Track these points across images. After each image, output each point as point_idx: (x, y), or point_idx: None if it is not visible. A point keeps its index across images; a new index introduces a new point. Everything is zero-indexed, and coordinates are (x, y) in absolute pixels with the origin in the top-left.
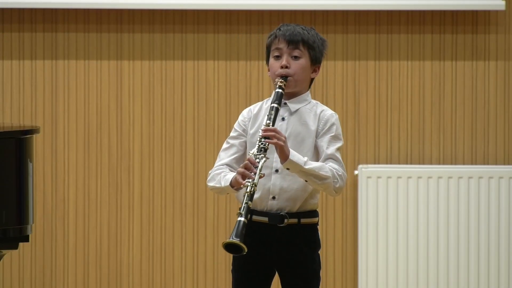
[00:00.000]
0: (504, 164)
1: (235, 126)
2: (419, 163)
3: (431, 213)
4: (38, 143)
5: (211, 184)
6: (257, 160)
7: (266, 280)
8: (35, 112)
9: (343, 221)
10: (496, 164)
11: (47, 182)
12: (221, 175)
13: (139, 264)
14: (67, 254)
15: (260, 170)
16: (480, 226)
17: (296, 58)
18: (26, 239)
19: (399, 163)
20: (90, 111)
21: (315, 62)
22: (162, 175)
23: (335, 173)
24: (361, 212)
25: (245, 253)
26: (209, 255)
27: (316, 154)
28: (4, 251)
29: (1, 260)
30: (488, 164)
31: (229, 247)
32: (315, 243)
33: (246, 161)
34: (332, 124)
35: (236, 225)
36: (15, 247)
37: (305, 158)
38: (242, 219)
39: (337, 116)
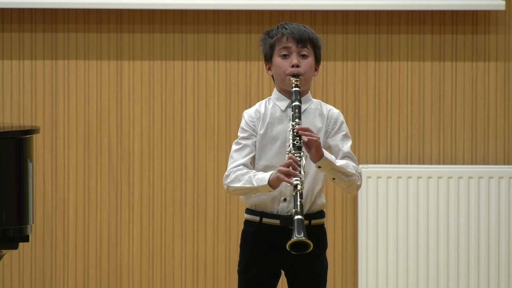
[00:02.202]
0: (504, 164)
1: (244, 126)
2: (419, 163)
3: (431, 213)
4: (38, 143)
5: (237, 185)
6: (298, 158)
7: (273, 282)
8: (35, 112)
9: (343, 221)
10: (496, 164)
11: (47, 182)
12: (250, 175)
13: (139, 264)
14: (67, 254)
15: (304, 168)
16: (480, 226)
17: (304, 56)
18: (26, 239)
19: (399, 163)
20: (90, 111)
21: (318, 61)
22: (162, 175)
23: (356, 171)
24: (361, 212)
25: (311, 249)
26: (209, 255)
27: None
28: (4, 251)
29: (1, 260)
30: (488, 164)
31: (294, 246)
32: (324, 244)
33: (289, 160)
34: (342, 123)
35: (296, 224)
36: (15, 247)
37: (333, 156)
38: (300, 216)
39: (342, 115)
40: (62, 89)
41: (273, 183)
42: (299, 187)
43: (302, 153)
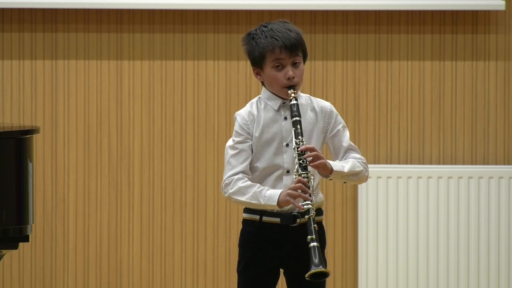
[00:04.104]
0: (504, 164)
1: (238, 130)
2: (419, 163)
3: (431, 213)
4: (38, 143)
5: (241, 198)
6: (306, 179)
7: (273, 281)
8: (35, 112)
9: (343, 221)
10: (496, 164)
11: (47, 182)
12: (255, 190)
13: (139, 264)
14: (67, 254)
15: (313, 189)
16: (480, 226)
17: (296, 64)
18: (26, 239)
19: (399, 163)
20: (90, 111)
21: (305, 61)
22: (162, 175)
23: (362, 163)
24: (361, 212)
25: (328, 276)
26: (209, 255)
27: (322, 149)
28: (4, 251)
29: (1, 260)
30: (488, 164)
31: (313, 275)
32: (323, 241)
33: (299, 184)
34: (336, 115)
35: (313, 252)
36: (15, 247)
37: (338, 162)
38: (316, 244)
39: (332, 105)
40: (62, 89)
41: (283, 204)
42: (311, 212)
43: (309, 173)
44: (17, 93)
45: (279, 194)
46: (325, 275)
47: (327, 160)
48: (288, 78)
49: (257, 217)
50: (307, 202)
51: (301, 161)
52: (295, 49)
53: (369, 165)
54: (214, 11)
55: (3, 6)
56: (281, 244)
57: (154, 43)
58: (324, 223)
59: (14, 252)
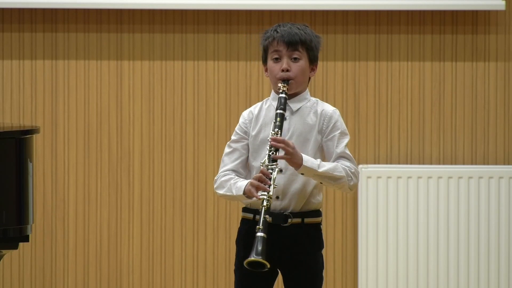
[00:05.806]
0: (504, 164)
1: (237, 129)
2: (419, 163)
3: (431, 213)
4: (38, 143)
5: (220, 191)
6: (270, 171)
7: (269, 280)
8: (35, 112)
9: (343, 221)
10: (496, 164)
11: (47, 182)
12: (231, 182)
13: (139, 264)
14: (67, 254)
15: (274, 181)
16: (480, 226)
17: (295, 59)
18: (26, 239)
19: (399, 163)
20: (90, 111)
21: (313, 61)
22: (162, 175)
23: (348, 171)
24: (361, 212)
25: (267, 268)
26: (209, 255)
27: (320, 152)
28: (4, 251)
29: (1, 260)
30: (488, 164)
31: (252, 264)
32: (319, 243)
33: (260, 174)
34: (336, 121)
35: (256, 242)
36: (15, 247)
37: (318, 161)
38: (262, 234)
39: (338, 111)
40: (62, 89)
41: (247, 193)
42: (265, 202)
43: (274, 166)
44: (17, 93)
45: (246, 184)
46: (263, 266)
47: (303, 155)
48: (282, 70)
49: (250, 215)
50: (263, 192)
51: (271, 153)
52: (294, 44)
53: (369, 165)
54: (214, 11)
55: (3, 6)
56: (274, 243)
57: (154, 43)
58: (323, 224)
59: (14, 252)
